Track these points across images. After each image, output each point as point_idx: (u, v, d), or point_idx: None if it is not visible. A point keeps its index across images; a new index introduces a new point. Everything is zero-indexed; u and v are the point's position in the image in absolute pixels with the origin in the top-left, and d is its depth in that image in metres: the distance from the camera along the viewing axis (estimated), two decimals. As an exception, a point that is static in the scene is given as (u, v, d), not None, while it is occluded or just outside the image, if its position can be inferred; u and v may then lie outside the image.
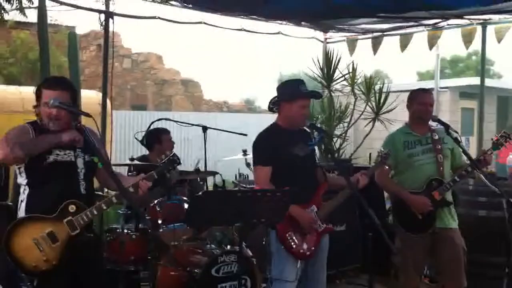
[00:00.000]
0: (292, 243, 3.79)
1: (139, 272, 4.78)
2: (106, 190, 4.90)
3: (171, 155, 3.48)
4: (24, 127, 3.29)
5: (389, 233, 3.75)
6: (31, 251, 3.12)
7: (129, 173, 4.87)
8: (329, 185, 4.01)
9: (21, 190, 3.29)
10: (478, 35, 7.40)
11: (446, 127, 4.16)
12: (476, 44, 7.74)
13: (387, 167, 4.20)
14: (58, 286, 3.21)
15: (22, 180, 3.29)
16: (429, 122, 4.39)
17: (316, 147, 3.96)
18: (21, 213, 3.26)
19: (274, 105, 3.99)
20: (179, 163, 3.56)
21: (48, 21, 5.61)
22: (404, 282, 4.33)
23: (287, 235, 3.79)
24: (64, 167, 3.27)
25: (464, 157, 4.28)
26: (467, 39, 7.38)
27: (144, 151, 5.84)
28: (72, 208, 3.21)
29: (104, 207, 3.29)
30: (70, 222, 3.19)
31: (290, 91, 3.90)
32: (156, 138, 5.55)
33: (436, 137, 4.30)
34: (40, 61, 5.57)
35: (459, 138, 4.19)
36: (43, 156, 3.20)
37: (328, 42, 8.85)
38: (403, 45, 7.94)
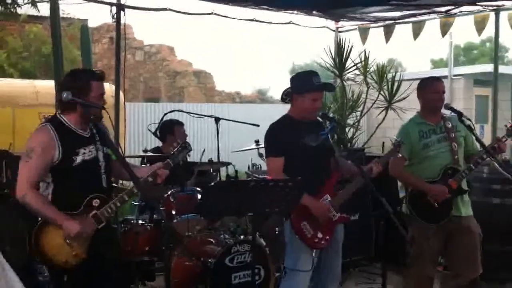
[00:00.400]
0: (307, 233, 3.80)
1: (153, 263, 4.83)
2: (120, 181, 4.96)
3: (182, 142, 3.50)
4: (47, 145, 3.18)
5: (402, 222, 3.76)
6: (61, 248, 3.16)
7: (143, 165, 4.91)
8: (342, 173, 4.01)
9: (44, 185, 3.27)
10: (491, 21, 7.33)
11: (459, 114, 4.13)
12: (489, 31, 7.67)
13: (401, 157, 4.17)
14: (87, 279, 3.26)
15: (46, 177, 3.27)
16: (442, 110, 4.37)
17: (329, 137, 3.95)
18: None
19: (287, 96, 4.00)
20: (191, 150, 3.57)
21: (61, 15, 5.65)
22: (419, 271, 4.32)
23: (301, 225, 3.80)
24: (89, 164, 3.30)
25: (477, 145, 4.25)
26: (480, 25, 7.31)
27: (158, 143, 5.87)
28: (96, 202, 3.25)
29: (126, 198, 3.33)
30: (95, 216, 3.24)
31: (303, 84, 3.89)
32: (169, 129, 5.58)
33: (449, 125, 4.28)
34: (53, 55, 5.61)
35: (472, 126, 4.15)
36: (71, 158, 3.21)
37: (340, 31, 8.82)
38: (416, 33, 7.89)
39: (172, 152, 3.53)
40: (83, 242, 3.20)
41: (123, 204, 3.36)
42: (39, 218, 3.21)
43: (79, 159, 3.24)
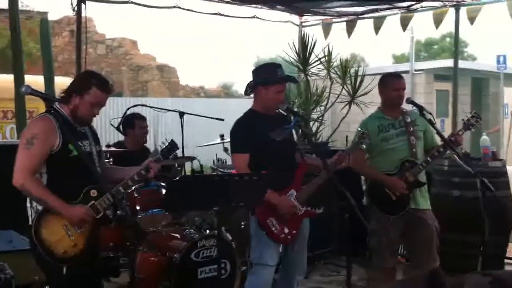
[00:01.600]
0: (273, 228, 3.81)
1: (118, 259, 4.77)
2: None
3: (171, 140, 3.51)
4: (49, 131, 3.18)
5: (365, 214, 3.81)
6: (61, 238, 3.15)
7: (106, 160, 4.84)
8: (308, 167, 4.03)
9: (37, 176, 3.23)
10: (451, 16, 7.47)
11: (420, 109, 4.20)
12: (449, 26, 7.82)
13: (361, 150, 4.22)
14: (86, 271, 3.26)
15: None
16: (403, 105, 4.44)
17: (293, 131, 3.97)
18: None
19: (250, 89, 3.98)
20: (178, 148, 3.58)
21: (19, 7, 5.51)
22: (379, 263, 4.40)
23: (267, 221, 3.81)
24: (84, 156, 3.27)
25: (437, 139, 4.34)
26: (438, 19, 7.43)
27: (120, 138, 5.80)
28: (93, 193, 3.26)
29: (122, 190, 3.36)
30: (93, 206, 3.24)
31: (267, 75, 3.89)
32: (130, 123, 5.53)
33: (409, 119, 4.36)
34: (11, 48, 5.48)
35: (432, 119, 4.23)
36: (68, 149, 3.20)
37: (303, 26, 8.84)
38: (377, 28, 7.98)
39: (161, 149, 3.52)
40: (82, 233, 3.19)
41: (119, 195, 3.37)
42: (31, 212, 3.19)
43: (76, 151, 3.22)
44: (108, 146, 5.09)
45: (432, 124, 4.22)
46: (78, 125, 3.35)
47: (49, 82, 5.97)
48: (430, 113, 4.26)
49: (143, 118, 5.62)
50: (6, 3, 5.41)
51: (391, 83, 4.38)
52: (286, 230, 3.85)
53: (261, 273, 3.84)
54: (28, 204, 3.23)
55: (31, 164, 3.15)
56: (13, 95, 5.43)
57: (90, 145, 3.38)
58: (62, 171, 3.22)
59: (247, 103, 4.17)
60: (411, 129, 4.33)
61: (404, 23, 7.78)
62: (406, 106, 4.47)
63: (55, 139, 3.18)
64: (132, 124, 5.52)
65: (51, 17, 15.59)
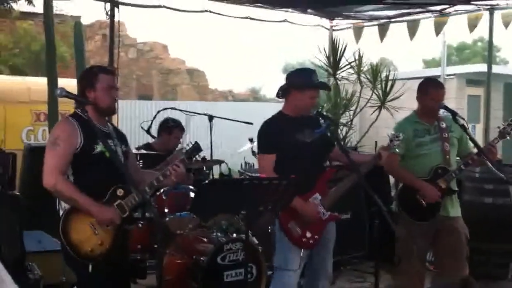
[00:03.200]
0: (295, 233, 3.78)
1: (145, 261, 4.81)
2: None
3: (194, 143, 3.53)
4: (70, 132, 3.25)
5: (393, 220, 3.75)
6: (87, 236, 3.19)
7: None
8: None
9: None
10: (484, 20, 7.35)
11: (453, 114, 4.12)
12: (482, 30, 7.70)
13: (395, 153, 4.15)
14: (112, 271, 3.28)
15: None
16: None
17: (327, 132, 3.94)
18: None
19: (283, 92, 3.97)
20: (201, 150, 3.61)
21: (54, 11, 5.61)
22: (406, 269, 4.33)
23: (289, 225, 3.78)
24: (108, 154, 3.31)
25: (471, 145, 4.25)
26: (472, 23, 7.33)
27: (149, 140, 5.84)
28: (120, 192, 3.30)
29: (148, 190, 3.39)
30: (120, 205, 3.28)
31: (302, 80, 3.87)
32: (169, 129, 5.49)
33: (443, 125, 4.27)
34: (46, 52, 5.58)
35: (465, 125, 4.15)
36: (92, 147, 3.26)
37: (334, 30, 8.82)
38: (412, 33, 7.89)
39: (185, 151, 3.54)
40: (108, 232, 3.23)
41: (145, 196, 3.38)
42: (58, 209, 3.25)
43: (99, 147, 3.27)
44: (138, 148, 5.14)
45: (465, 129, 4.13)
46: (102, 124, 3.41)
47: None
48: (463, 119, 4.18)
49: (182, 129, 5.58)
50: (41, 7, 5.51)
51: (431, 93, 4.24)
52: (309, 235, 3.81)
53: (283, 277, 3.82)
54: (57, 206, 3.28)
55: (59, 164, 3.20)
56: (46, 98, 5.52)
57: (115, 145, 3.41)
58: (87, 171, 3.26)
59: (275, 107, 4.16)
60: (446, 135, 4.24)
61: (438, 27, 7.68)
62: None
63: (77, 139, 3.24)
64: (170, 131, 5.49)
65: (84, 21, 15.90)
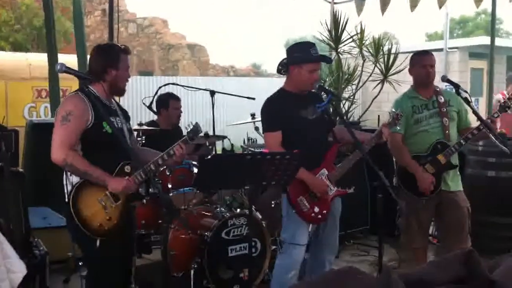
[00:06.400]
0: (303, 208, 3.80)
1: (150, 236, 4.84)
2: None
3: (194, 123, 3.53)
4: (83, 108, 3.24)
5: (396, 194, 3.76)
6: (96, 211, 3.21)
7: (138, 138, 4.89)
8: (343, 142, 3.96)
9: None
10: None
11: (456, 87, 4.08)
12: (485, 3, 7.60)
13: (399, 133, 4.14)
14: (118, 246, 3.31)
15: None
16: (439, 83, 4.33)
17: (327, 109, 3.91)
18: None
19: (283, 67, 3.93)
20: (201, 131, 3.60)
21: (52, -14, 5.56)
22: (407, 244, 4.36)
23: (298, 199, 3.80)
24: (117, 132, 3.32)
25: (471, 118, 4.23)
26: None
27: (152, 117, 5.83)
28: (127, 168, 3.32)
29: (153, 168, 3.39)
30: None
31: (300, 55, 3.82)
32: (165, 103, 5.56)
33: (442, 99, 4.24)
34: (45, 27, 5.54)
35: (468, 98, 4.10)
36: (101, 126, 3.25)
37: (335, 3, 8.72)
38: (413, 5, 7.80)
39: (187, 132, 3.54)
40: (116, 207, 3.25)
41: (151, 173, 3.41)
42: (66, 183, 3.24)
43: (107, 125, 3.26)
44: (140, 124, 5.13)
45: (468, 102, 4.08)
46: (109, 102, 3.42)
47: (82, 61, 6.02)
48: (466, 91, 4.13)
49: (177, 99, 5.63)
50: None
51: (418, 60, 4.27)
52: (317, 210, 3.83)
53: (292, 252, 3.83)
54: (64, 182, 3.27)
55: (70, 140, 3.20)
56: (47, 74, 5.49)
57: (122, 122, 3.43)
58: (96, 147, 3.26)
59: (277, 82, 4.13)
60: (444, 109, 4.21)
61: (441, 1, 7.59)
62: (441, 85, 4.36)
63: (88, 115, 3.23)
64: (167, 104, 5.54)
65: (83, -4, 15.76)
